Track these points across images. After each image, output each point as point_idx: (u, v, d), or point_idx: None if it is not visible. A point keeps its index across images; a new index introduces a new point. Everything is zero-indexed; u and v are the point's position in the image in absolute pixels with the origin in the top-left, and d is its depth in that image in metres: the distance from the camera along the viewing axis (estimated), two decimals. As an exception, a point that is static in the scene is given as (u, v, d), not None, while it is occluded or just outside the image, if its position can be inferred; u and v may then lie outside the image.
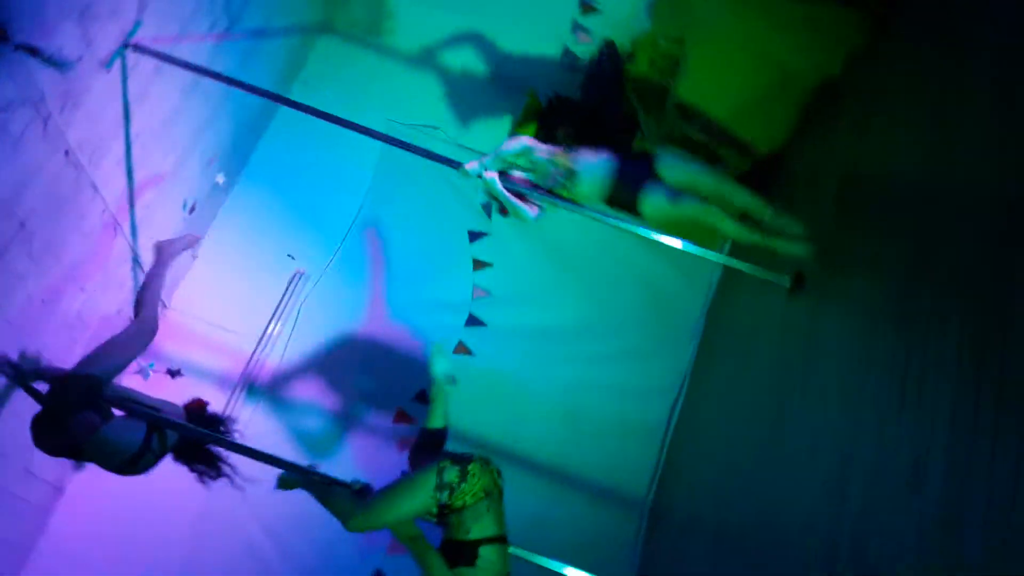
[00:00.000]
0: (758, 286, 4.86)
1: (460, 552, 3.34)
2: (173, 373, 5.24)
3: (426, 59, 6.36)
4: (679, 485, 5.10)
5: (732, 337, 5.14)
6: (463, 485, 3.40)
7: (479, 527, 3.37)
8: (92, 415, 3.30)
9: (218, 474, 3.66)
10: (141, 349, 3.77)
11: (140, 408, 3.48)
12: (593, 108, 5.91)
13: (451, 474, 3.41)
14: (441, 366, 3.89)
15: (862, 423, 2.90)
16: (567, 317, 5.88)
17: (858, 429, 2.91)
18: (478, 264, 5.95)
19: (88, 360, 3.51)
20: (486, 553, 3.33)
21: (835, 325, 3.51)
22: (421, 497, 3.42)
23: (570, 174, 4.15)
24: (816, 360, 3.55)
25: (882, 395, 2.82)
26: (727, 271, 5.89)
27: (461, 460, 3.48)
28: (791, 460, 3.42)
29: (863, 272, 3.44)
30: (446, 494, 3.39)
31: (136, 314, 3.79)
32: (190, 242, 4.35)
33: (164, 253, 4.15)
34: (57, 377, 3.40)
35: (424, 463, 3.54)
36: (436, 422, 3.83)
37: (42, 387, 3.48)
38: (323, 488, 3.56)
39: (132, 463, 3.41)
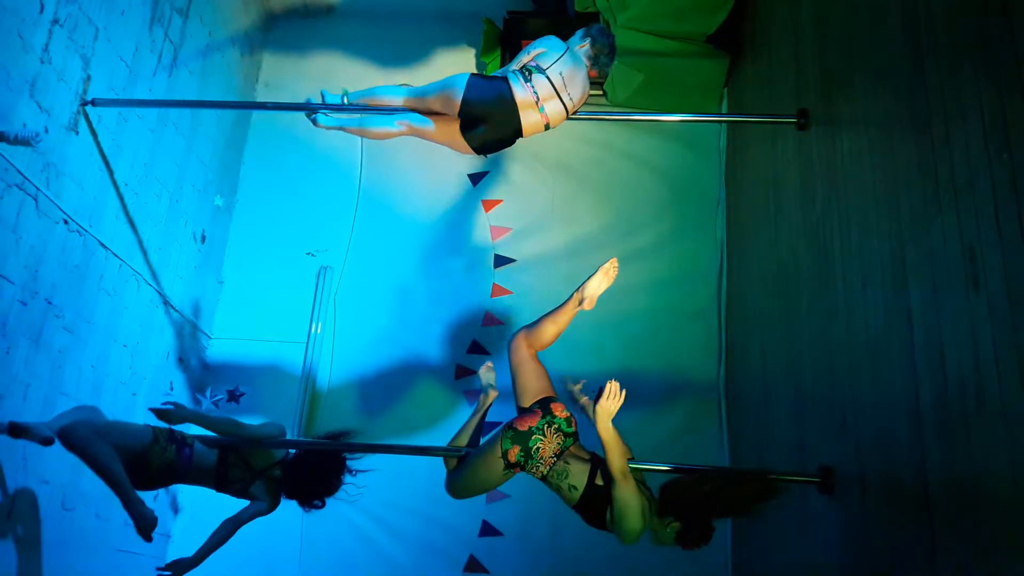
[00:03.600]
0: (767, 135, 4.80)
1: (595, 503, 3.29)
2: (233, 395, 5.34)
3: (374, 17, 6.25)
4: (747, 360, 5.11)
5: (756, 196, 5.08)
6: (531, 461, 3.35)
7: (570, 482, 3.31)
8: (185, 448, 3.52)
9: (330, 493, 3.66)
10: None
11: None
12: (549, 11, 5.80)
13: (517, 455, 3.35)
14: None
15: (905, 238, 2.86)
16: (591, 227, 5.85)
17: (903, 245, 2.87)
18: (489, 204, 5.93)
19: None
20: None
21: (852, 148, 3.45)
22: (496, 475, 3.42)
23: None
24: (845, 190, 3.50)
25: (918, 204, 2.77)
26: (732, 129, 5.82)
27: (522, 438, 3.37)
28: (847, 299, 3.40)
29: (864, 85, 3.36)
30: (519, 470, 3.39)
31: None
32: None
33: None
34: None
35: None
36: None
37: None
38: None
39: (219, 487, 3.59)
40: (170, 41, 4.72)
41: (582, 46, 4.02)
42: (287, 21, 6.30)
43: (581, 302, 3.60)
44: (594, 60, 4.02)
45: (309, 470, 3.62)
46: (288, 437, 3.82)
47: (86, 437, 3.28)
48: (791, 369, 4.15)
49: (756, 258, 5.01)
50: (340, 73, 6.05)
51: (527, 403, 3.50)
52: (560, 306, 3.65)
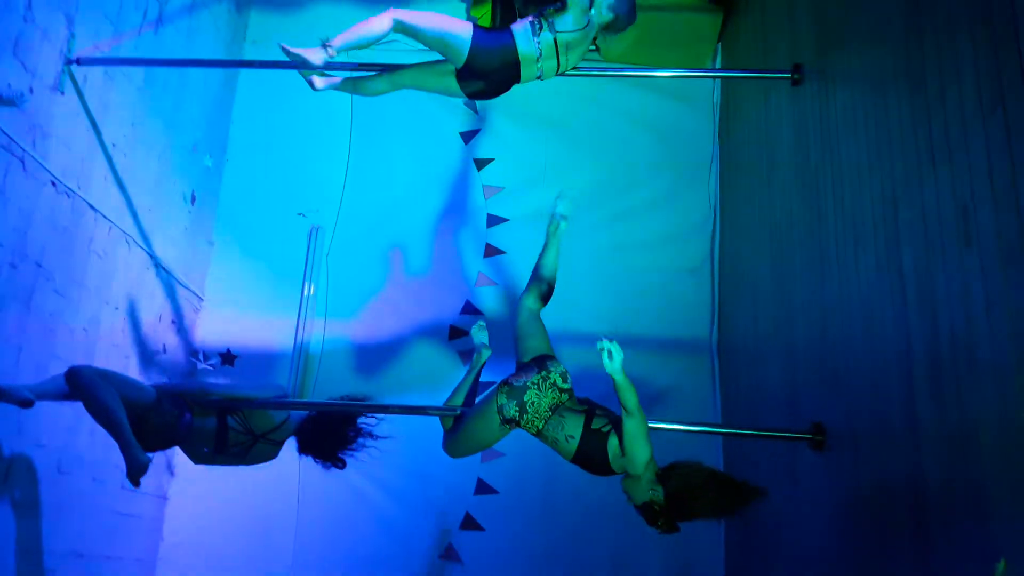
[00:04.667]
0: (760, 90, 4.76)
1: (593, 449, 3.34)
2: (227, 358, 5.34)
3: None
4: (740, 318, 5.13)
5: (749, 152, 5.05)
6: (526, 416, 3.38)
7: (567, 432, 3.35)
8: (186, 413, 3.52)
9: (349, 449, 3.72)
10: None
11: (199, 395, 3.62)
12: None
13: (511, 410, 3.38)
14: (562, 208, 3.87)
15: (898, 196, 2.85)
16: (584, 184, 5.80)
17: (896, 202, 2.87)
18: (481, 163, 5.89)
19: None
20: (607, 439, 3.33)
21: (846, 104, 3.42)
22: (492, 432, 3.45)
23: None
24: (838, 146, 3.48)
25: (911, 161, 2.76)
26: (726, 85, 5.77)
27: (518, 392, 3.40)
28: (840, 256, 3.40)
29: (859, 41, 3.33)
30: (514, 425, 3.42)
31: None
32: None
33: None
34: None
35: None
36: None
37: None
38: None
39: (219, 450, 3.59)
40: (155, -2, 4.63)
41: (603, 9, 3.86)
42: (274, -24, 6.18)
43: (556, 216, 3.81)
44: (612, 24, 3.90)
45: (325, 430, 3.65)
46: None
47: (92, 378, 3.32)
48: (784, 326, 4.16)
49: (749, 215, 5.00)
50: (329, 29, 5.94)
51: (526, 361, 3.55)
52: (546, 240, 3.82)
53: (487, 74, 3.80)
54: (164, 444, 3.59)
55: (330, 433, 3.66)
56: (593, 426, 3.35)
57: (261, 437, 3.63)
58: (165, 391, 3.56)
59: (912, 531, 2.65)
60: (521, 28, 3.80)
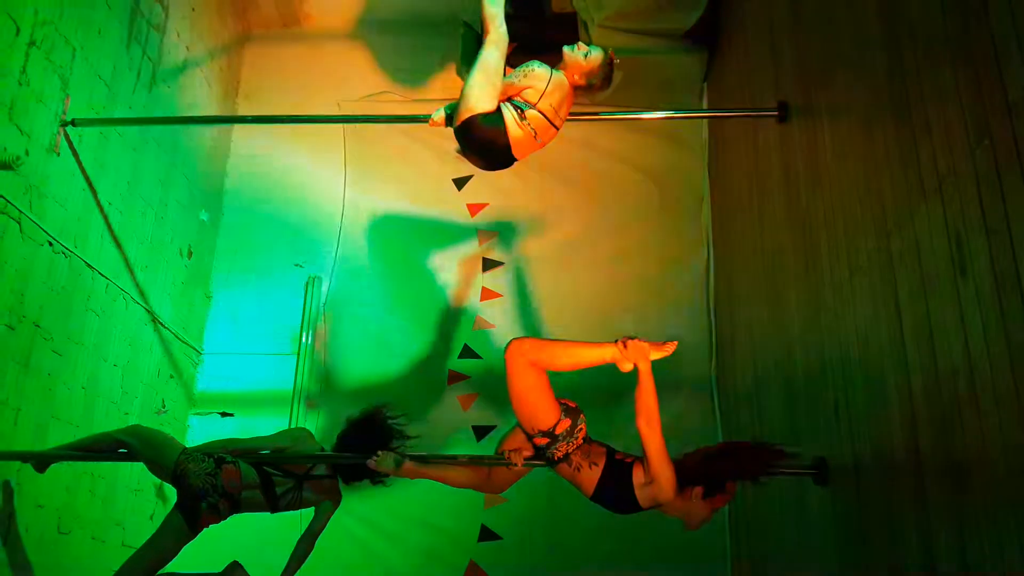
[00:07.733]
0: (748, 128, 4.82)
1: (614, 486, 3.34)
2: (224, 414, 5.34)
3: (351, 30, 6.24)
4: (738, 354, 5.13)
5: (740, 189, 5.09)
6: (569, 440, 3.37)
7: (592, 460, 3.34)
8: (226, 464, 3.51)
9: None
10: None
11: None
12: (527, 13, 5.80)
13: (565, 428, 3.37)
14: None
15: (891, 227, 2.88)
16: (577, 226, 5.86)
17: (889, 234, 2.89)
18: (474, 208, 5.93)
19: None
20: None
21: (834, 139, 3.46)
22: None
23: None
24: (828, 180, 3.51)
25: (902, 192, 2.79)
26: (714, 124, 5.84)
27: (574, 413, 3.42)
28: (836, 289, 3.41)
29: (843, 76, 3.38)
30: (547, 441, 3.39)
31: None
32: None
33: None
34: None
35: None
36: None
37: None
38: None
39: (273, 504, 3.57)
40: (148, 58, 4.70)
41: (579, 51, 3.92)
42: (264, 33, 6.28)
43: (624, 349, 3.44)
44: (587, 89, 3.96)
45: (359, 443, 3.57)
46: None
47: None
48: (782, 361, 4.16)
49: (743, 251, 5.03)
50: (319, 83, 6.04)
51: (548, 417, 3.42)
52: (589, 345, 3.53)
53: (480, 153, 3.83)
54: (219, 498, 3.50)
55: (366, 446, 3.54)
56: (617, 456, 3.38)
57: (304, 478, 3.59)
58: (190, 448, 3.54)
59: (921, 567, 2.63)
60: (507, 111, 3.79)
